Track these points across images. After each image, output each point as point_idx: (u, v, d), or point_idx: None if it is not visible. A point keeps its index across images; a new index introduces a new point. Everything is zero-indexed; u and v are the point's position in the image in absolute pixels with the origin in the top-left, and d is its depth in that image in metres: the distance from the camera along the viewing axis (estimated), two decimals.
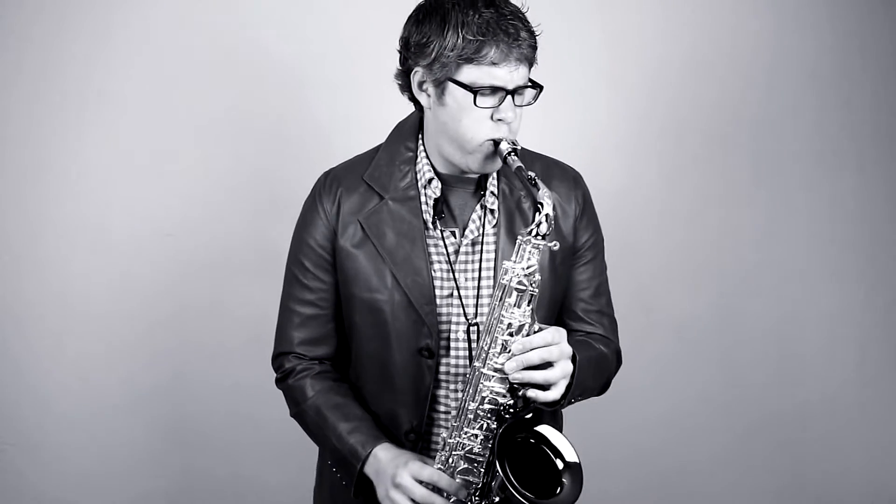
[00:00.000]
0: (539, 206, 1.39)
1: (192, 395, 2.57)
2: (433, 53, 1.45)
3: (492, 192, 1.59)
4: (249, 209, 2.57)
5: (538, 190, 1.40)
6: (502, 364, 1.43)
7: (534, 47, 1.47)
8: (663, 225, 2.78)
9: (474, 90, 1.43)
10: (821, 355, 2.87)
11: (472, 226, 1.58)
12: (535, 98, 1.51)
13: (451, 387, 1.59)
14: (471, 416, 1.46)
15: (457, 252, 1.58)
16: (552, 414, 1.65)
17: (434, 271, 1.56)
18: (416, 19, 1.49)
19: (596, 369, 1.58)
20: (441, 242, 1.57)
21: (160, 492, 2.58)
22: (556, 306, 1.65)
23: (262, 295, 2.55)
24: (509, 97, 1.45)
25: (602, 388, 1.66)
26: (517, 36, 1.43)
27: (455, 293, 1.57)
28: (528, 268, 1.42)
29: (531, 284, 1.42)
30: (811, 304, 2.87)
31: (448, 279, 1.57)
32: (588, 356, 1.55)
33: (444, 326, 1.57)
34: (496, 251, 1.58)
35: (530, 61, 1.48)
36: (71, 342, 2.52)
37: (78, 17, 2.49)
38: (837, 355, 2.88)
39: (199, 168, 2.56)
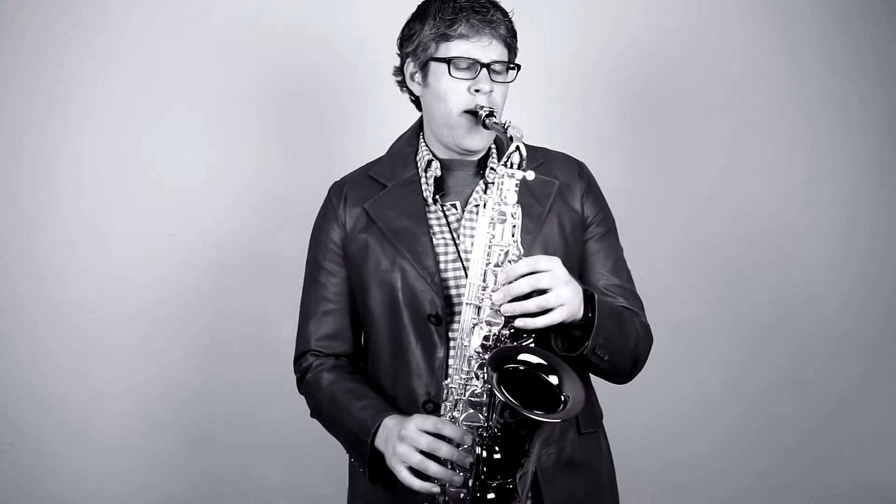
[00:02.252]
0: (510, 139, 1.45)
1: (192, 394, 2.57)
2: (416, 41, 1.61)
3: (492, 169, 1.66)
4: (249, 209, 2.57)
5: (508, 130, 1.46)
6: (490, 296, 1.44)
7: (510, 30, 1.61)
8: (663, 225, 2.78)
9: (448, 60, 1.56)
10: (820, 355, 2.87)
11: (473, 197, 1.65)
12: (514, 77, 1.62)
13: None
14: (468, 355, 1.46)
15: (459, 220, 1.64)
16: (588, 416, 1.67)
17: (436, 240, 1.62)
18: (407, 22, 1.66)
19: (619, 322, 1.56)
20: (442, 214, 1.64)
21: (160, 491, 2.58)
22: (573, 275, 1.63)
23: (263, 295, 2.57)
24: (485, 70, 1.56)
25: (632, 357, 1.62)
26: (488, 13, 1.57)
27: (457, 258, 1.61)
28: (506, 198, 1.45)
29: (512, 215, 1.46)
30: (811, 303, 2.87)
31: (450, 246, 1.61)
32: (608, 303, 1.56)
33: (453, 292, 1.60)
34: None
35: (506, 42, 1.60)
36: (71, 342, 2.53)
37: (76, 16, 2.50)
38: (837, 355, 2.88)
39: (199, 168, 2.56)
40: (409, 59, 1.64)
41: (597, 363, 1.52)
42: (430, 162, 1.66)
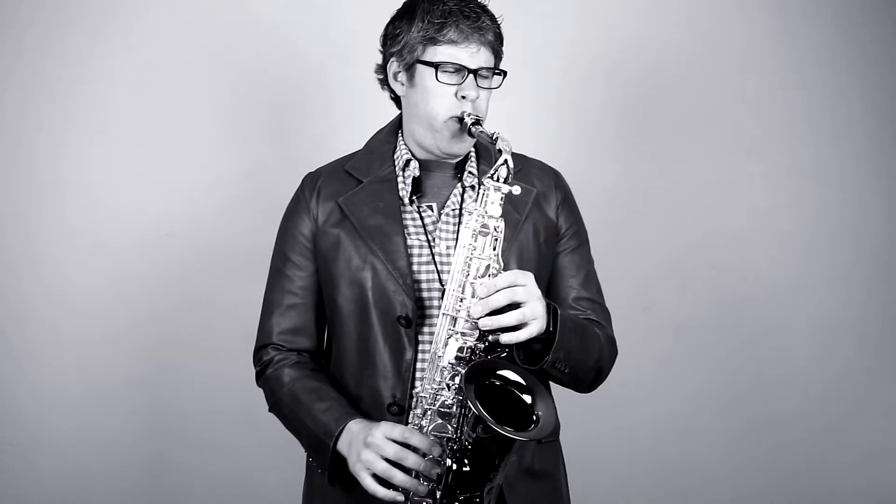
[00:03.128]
0: (499, 152, 1.45)
1: (193, 395, 2.57)
2: (402, 41, 1.58)
3: (470, 172, 1.65)
4: (249, 209, 2.57)
5: (497, 142, 1.46)
6: (468, 308, 1.43)
7: (497, 36, 1.59)
8: (663, 225, 2.78)
9: (435, 65, 1.54)
10: (820, 355, 2.87)
11: (451, 200, 1.63)
12: (500, 83, 1.60)
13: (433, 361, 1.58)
14: (441, 365, 1.45)
15: (434, 223, 1.62)
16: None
17: (410, 241, 1.59)
18: (392, 19, 1.64)
19: (582, 336, 1.56)
20: (417, 216, 1.62)
21: (161, 491, 2.58)
22: (542, 286, 1.62)
23: (262, 294, 2.57)
24: (471, 76, 1.55)
25: (594, 370, 1.61)
26: (477, 20, 1.55)
27: (431, 260, 1.59)
28: (490, 211, 1.46)
29: (495, 228, 1.46)
30: (811, 303, 2.87)
31: (424, 248, 1.59)
32: (571, 317, 1.55)
33: (425, 294, 1.58)
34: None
35: (493, 48, 1.58)
36: (71, 343, 2.53)
37: (76, 17, 2.50)
38: (837, 355, 2.88)
39: (198, 168, 2.57)
40: (393, 59, 1.61)
41: (557, 376, 1.53)
42: (408, 161, 1.64)
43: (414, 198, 1.62)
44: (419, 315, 1.57)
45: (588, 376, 1.60)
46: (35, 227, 2.51)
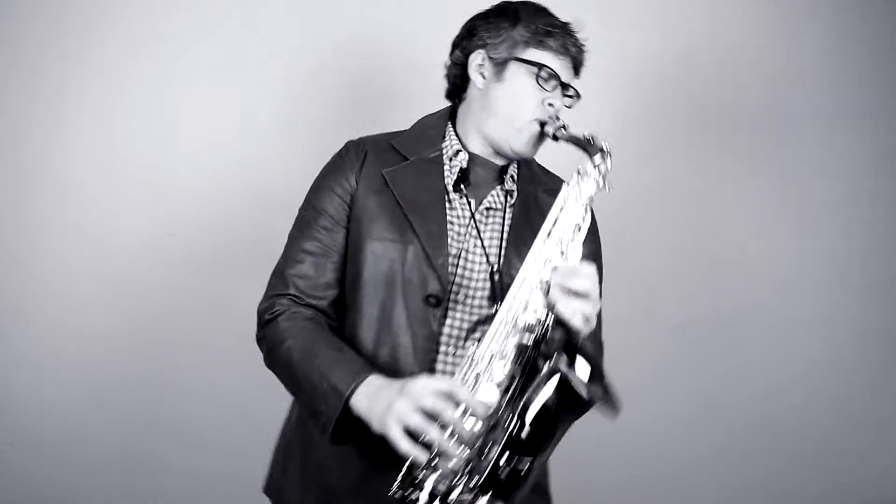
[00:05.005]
0: (600, 149, 1.49)
1: (193, 395, 2.58)
2: (501, 36, 1.59)
3: (512, 177, 1.66)
4: (250, 209, 2.57)
5: (597, 141, 1.50)
6: (545, 278, 1.44)
7: (583, 57, 1.64)
8: (664, 225, 2.78)
9: (539, 66, 1.57)
10: (821, 356, 2.87)
11: (489, 198, 1.64)
12: (573, 104, 1.64)
13: (452, 350, 1.56)
14: (507, 331, 1.43)
15: (472, 216, 1.61)
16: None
17: (451, 227, 1.59)
18: (486, 16, 1.64)
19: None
20: (460, 205, 1.61)
21: (161, 491, 2.58)
22: None
23: (262, 295, 2.57)
24: (560, 89, 1.60)
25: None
26: (576, 39, 1.61)
27: (474, 249, 1.59)
28: (585, 198, 1.49)
29: (583, 217, 1.49)
30: (811, 304, 2.87)
31: (466, 238, 1.59)
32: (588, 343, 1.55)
33: (458, 281, 1.57)
34: (512, 226, 1.62)
35: (577, 69, 1.64)
36: (71, 343, 2.53)
37: (77, 16, 2.50)
38: (838, 356, 2.88)
39: (199, 168, 2.57)
40: (482, 50, 1.61)
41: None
42: (457, 151, 1.63)
43: (461, 185, 1.62)
44: (449, 299, 1.55)
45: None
46: (35, 226, 2.51)
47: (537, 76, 1.57)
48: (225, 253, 2.57)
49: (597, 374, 1.37)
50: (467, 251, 1.59)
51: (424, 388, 1.35)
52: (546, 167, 1.77)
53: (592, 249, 1.68)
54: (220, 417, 2.60)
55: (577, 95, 1.64)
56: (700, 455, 2.80)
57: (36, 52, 2.47)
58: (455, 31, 1.70)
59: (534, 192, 1.67)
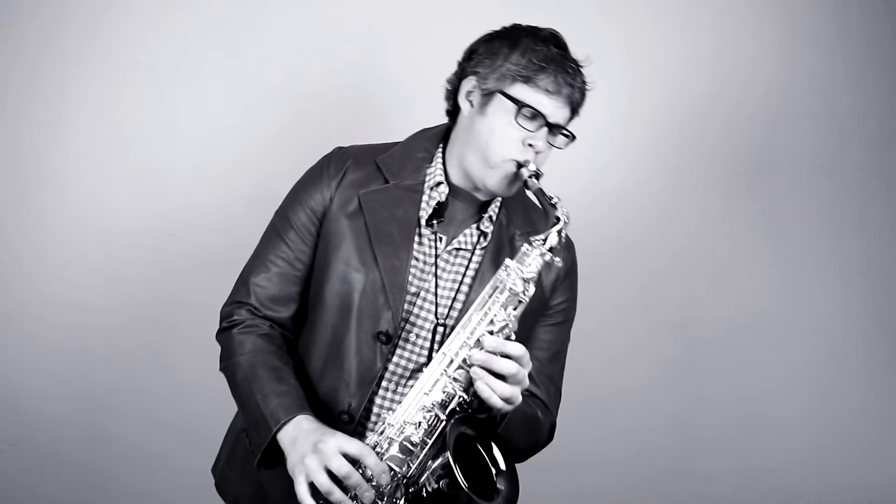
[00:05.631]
0: (556, 219, 1.43)
1: (193, 395, 2.57)
2: (494, 65, 1.51)
3: (489, 218, 1.60)
4: (250, 210, 2.56)
5: (557, 209, 1.44)
6: (468, 354, 1.41)
7: (584, 98, 1.54)
8: (664, 226, 2.78)
9: (520, 104, 1.47)
10: (821, 357, 2.88)
11: (461, 238, 1.59)
12: (566, 145, 1.55)
13: (393, 387, 1.56)
14: (423, 403, 1.42)
15: (438, 257, 1.58)
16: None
17: (415, 264, 1.56)
18: (489, 38, 1.56)
19: (526, 428, 1.55)
20: (429, 242, 1.57)
21: (161, 491, 2.58)
22: None
23: None
24: (545, 129, 1.50)
25: (525, 452, 1.60)
26: (574, 77, 1.50)
27: (432, 290, 1.56)
28: (525, 273, 1.43)
29: (524, 292, 1.43)
30: (811, 304, 2.87)
31: (427, 276, 1.56)
32: (523, 411, 1.51)
33: (412, 320, 1.55)
34: (478, 270, 1.57)
35: (574, 109, 1.54)
36: (71, 343, 2.53)
37: (77, 16, 2.49)
38: (838, 357, 2.88)
39: (199, 168, 2.56)
40: (473, 77, 1.54)
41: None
42: (438, 183, 1.58)
43: (434, 221, 1.57)
44: (399, 337, 1.54)
45: (516, 455, 1.54)
46: (35, 226, 2.51)
47: (515, 114, 1.48)
48: (224, 252, 2.55)
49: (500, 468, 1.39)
50: (427, 291, 1.56)
51: (335, 449, 1.37)
52: (537, 202, 1.72)
53: (566, 298, 1.66)
54: (220, 417, 2.60)
55: (571, 137, 1.55)
56: (699, 455, 2.80)
57: (36, 52, 2.47)
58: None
59: (510, 235, 1.61)
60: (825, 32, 2.83)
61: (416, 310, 1.56)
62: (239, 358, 1.55)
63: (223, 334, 1.62)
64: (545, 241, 1.44)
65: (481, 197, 1.60)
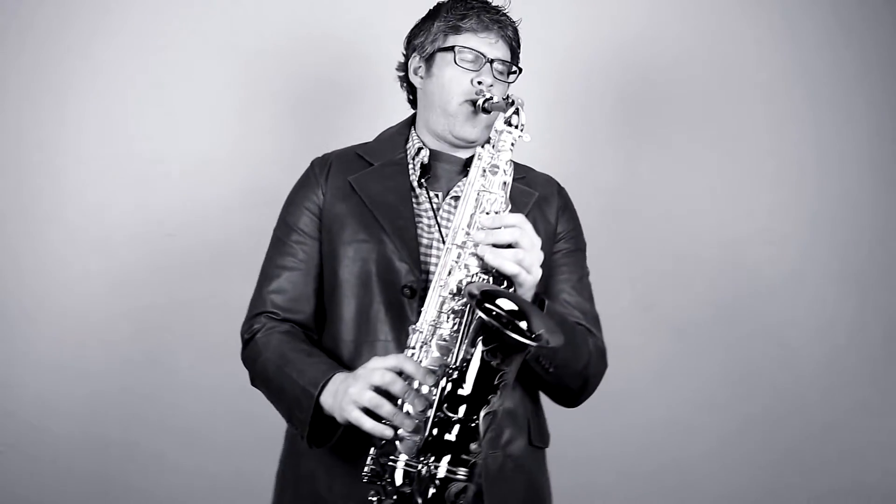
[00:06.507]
0: (511, 103, 1.48)
1: (193, 394, 2.57)
2: (424, 35, 1.66)
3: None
4: (250, 210, 2.57)
5: (511, 96, 1.50)
6: (473, 241, 1.42)
7: (516, 32, 1.66)
8: (664, 224, 2.78)
9: (454, 49, 1.60)
10: (821, 354, 2.87)
11: (456, 188, 1.65)
12: (515, 78, 1.66)
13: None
14: (442, 296, 1.42)
15: (439, 209, 1.63)
16: (538, 431, 1.64)
17: (419, 221, 1.61)
18: (418, 21, 1.72)
19: (571, 336, 1.52)
20: (426, 199, 1.63)
21: (161, 491, 2.58)
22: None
23: None
24: (489, 65, 1.60)
25: (580, 376, 1.57)
26: (497, 13, 1.63)
27: (439, 241, 1.59)
28: (501, 154, 1.47)
29: (504, 170, 1.47)
30: (811, 303, 2.87)
31: (433, 230, 1.60)
32: (559, 311, 1.54)
33: (432, 269, 1.57)
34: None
35: (511, 44, 1.65)
36: (70, 343, 2.52)
37: (78, 15, 2.50)
38: (838, 354, 2.88)
39: (199, 168, 2.57)
40: (415, 54, 1.68)
41: (541, 373, 1.49)
42: (419, 149, 1.67)
43: (423, 180, 1.64)
44: (422, 289, 1.54)
45: (574, 382, 1.57)
46: (35, 226, 2.51)
47: (454, 59, 1.59)
48: (224, 252, 2.57)
49: (523, 315, 1.33)
50: (437, 240, 1.60)
51: (373, 366, 1.37)
52: (529, 166, 1.77)
53: (571, 227, 1.71)
54: (220, 417, 2.60)
55: (515, 68, 1.65)
56: (700, 455, 2.80)
57: (37, 51, 2.47)
58: None
59: None
60: None
61: (432, 259, 1.59)
62: (266, 355, 1.56)
63: (246, 349, 1.63)
64: (507, 120, 1.48)
65: (462, 155, 1.68)
